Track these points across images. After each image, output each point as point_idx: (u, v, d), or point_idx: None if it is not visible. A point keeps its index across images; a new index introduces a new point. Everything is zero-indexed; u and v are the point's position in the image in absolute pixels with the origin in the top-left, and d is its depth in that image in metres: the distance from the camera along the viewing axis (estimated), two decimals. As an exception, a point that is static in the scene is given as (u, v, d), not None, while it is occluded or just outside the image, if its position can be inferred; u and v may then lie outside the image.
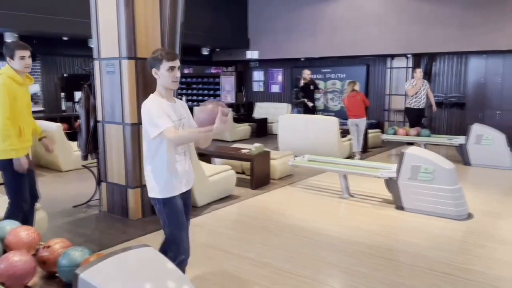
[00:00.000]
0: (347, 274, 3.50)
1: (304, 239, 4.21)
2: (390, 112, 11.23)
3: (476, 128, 7.61)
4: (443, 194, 4.72)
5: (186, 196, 2.73)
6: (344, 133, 8.51)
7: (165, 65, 2.47)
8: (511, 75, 9.48)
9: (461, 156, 7.77)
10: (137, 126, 4.65)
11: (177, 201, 2.59)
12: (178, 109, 2.61)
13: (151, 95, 2.57)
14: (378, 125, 10.88)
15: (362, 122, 8.23)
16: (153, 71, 2.52)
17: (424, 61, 10.93)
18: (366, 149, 8.89)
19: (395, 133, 8.51)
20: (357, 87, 8.42)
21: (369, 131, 9.16)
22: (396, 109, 11.05)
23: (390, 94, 11.17)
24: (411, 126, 8.62)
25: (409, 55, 10.55)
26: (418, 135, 8.30)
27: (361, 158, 8.02)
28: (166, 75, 2.48)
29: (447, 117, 10.48)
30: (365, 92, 10.81)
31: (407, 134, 8.36)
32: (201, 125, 2.43)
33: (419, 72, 8.55)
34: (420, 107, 8.57)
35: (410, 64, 10.82)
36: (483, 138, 7.50)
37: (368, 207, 5.28)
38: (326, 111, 12.10)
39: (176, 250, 2.59)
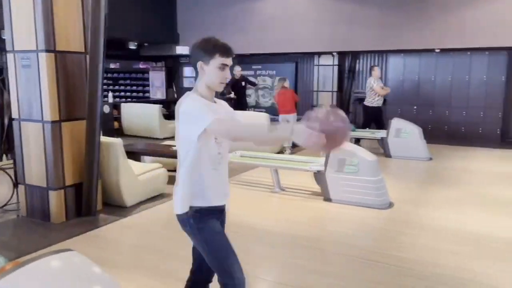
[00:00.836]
0: (280, 266, 3.58)
1: (238, 234, 4.23)
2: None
3: (395, 123, 8.16)
4: (367, 185, 5.00)
5: (223, 212, 2.26)
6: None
7: (217, 60, 1.96)
8: (426, 73, 10.29)
9: (382, 149, 8.28)
10: (58, 124, 4.37)
11: (213, 216, 2.11)
12: (219, 111, 2.09)
13: (189, 93, 2.05)
14: (298, 119, 11.23)
15: (292, 117, 8.46)
16: (199, 64, 2.00)
17: (348, 59, 11.49)
18: (296, 144, 9.13)
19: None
20: (286, 84, 8.62)
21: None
22: (324, 105, 11.49)
23: (318, 90, 11.59)
24: (377, 124, 8.68)
25: (334, 53, 11.01)
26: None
27: (291, 153, 8.24)
28: (215, 73, 1.98)
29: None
30: (294, 88, 11.12)
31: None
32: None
33: (377, 69, 8.73)
34: (381, 104, 8.86)
35: (336, 62, 11.31)
36: (401, 131, 8.05)
37: (299, 200, 5.44)
38: (257, 107, 12.26)
39: (229, 280, 2.06)
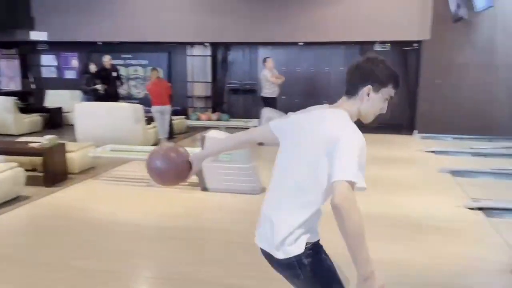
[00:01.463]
0: (159, 261, 3.49)
1: (110, 233, 4.01)
2: (193, 99, 11.61)
3: (267, 112, 8.55)
4: (240, 172, 5.16)
5: None
6: (149, 120, 8.40)
7: (388, 91, 1.68)
8: (293, 65, 10.98)
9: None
10: None
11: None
12: None
13: (348, 116, 1.66)
14: (182, 111, 11.12)
15: (167, 109, 8.28)
16: (367, 88, 1.66)
17: (221, 50, 11.65)
18: (172, 136, 8.99)
19: (198, 119, 8.86)
20: (160, 74, 8.39)
21: (174, 117, 9.28)
22: (198, 95, 11.50)
23: (192, 81, 11.53)
24: None
25: (206, 44, 11.06)
26: (218, 119, 8.84)
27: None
28: (379, 103, 1.69)
29: (242, 102, 11.46)
30: (168, 79, 10.88)
31: (209, 119, 8.81)
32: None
33: (270, 61, 8.83)
34: (277, 94, 8.98)
35: (209, 53, 11.38)
36: (272, 120, 8.48)
37: (176, 191, 5.35)
38: (130, 98, 11.68)
39: None
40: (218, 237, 3.93)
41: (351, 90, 1.68)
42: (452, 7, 8.75)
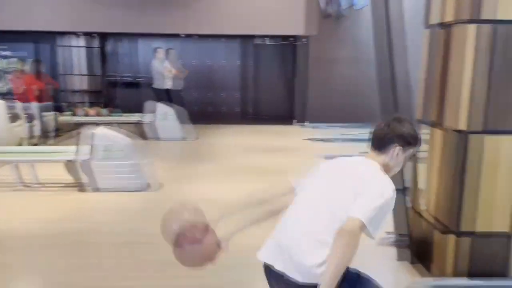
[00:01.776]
0: (39, 271, 3.20)
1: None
2: (81, 94, 10.80)
3: (161, 107, 8.30)
4: (130, 169, 4.93)
5: None
6: (29, 118, 7.58)
7: (411, 149, 1.89)
8: (189, 58, 10.76)
9: (150, 132, 8.30)
10: None
11: None
12: None
13: (380, 167, 1.82)
14: (68, 107, 10.25)
15: (48, 105, 7.63)
16: (397, 148, 1.84)
17: (110, 41, 11.01)
18: (57, 133, 8.25)
19: (86, 115, 8.28)
20: (41, 68, 7.70)
21: (58, 114, 8.52)
22: (86, 90, 10.75)
23: (80, 74, 10.74)
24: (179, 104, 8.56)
25: (94, 35, 10.38)
26: (109, 115, 8.37)
27: (47, 143, 7.41)
28: (403, 161, 1.90)
29: (136, 96, 10.93)
30: (51, 72, 9.92)
31: (98, 115, 8.29)
32: None
33: (173, 53, 8.65)
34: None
35: (97, 44, 10.68)
36: (168, 114, 8.26)
37: (61, 194, 4.97)
38: (4, 94, 10.42)
39: None
40: (106, 239, 3.72)
41: (380, 146, 1.87)
42: (335, 5, 9.41)
